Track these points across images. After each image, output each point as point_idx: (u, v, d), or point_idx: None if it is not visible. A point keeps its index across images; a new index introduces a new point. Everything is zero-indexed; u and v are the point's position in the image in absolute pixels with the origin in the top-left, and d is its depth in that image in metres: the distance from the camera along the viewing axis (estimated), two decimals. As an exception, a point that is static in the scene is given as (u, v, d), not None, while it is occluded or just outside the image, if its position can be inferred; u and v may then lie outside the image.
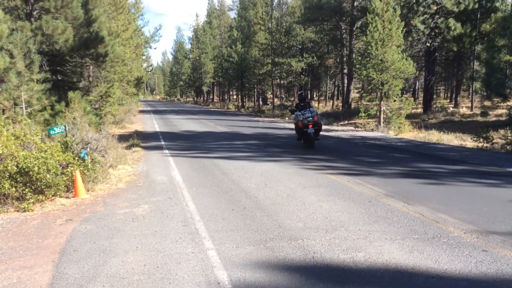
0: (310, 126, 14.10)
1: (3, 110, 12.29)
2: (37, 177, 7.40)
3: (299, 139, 15.12)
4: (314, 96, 58.08)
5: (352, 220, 6.34)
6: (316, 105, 48.19)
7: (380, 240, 5.49)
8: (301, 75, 45.24)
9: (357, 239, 5.53)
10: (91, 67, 19.03)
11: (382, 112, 21.89)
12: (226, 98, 77.41)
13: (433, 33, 26.82)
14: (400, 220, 6.31)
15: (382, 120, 21.87)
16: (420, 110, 31.38)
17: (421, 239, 5.51)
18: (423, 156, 12.85)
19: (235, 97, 77.30)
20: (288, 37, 44.69)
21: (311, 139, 14.34)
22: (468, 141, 16.74)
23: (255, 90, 56.92)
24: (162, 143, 16.93)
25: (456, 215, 6.51)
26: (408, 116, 23.95)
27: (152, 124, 27.86)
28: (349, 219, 6.39)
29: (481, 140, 15.22)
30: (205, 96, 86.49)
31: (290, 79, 46.84)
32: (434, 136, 17.97)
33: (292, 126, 17.60)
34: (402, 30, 21.52)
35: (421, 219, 6.35)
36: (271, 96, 51.44)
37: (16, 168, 7.39)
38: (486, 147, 14.93)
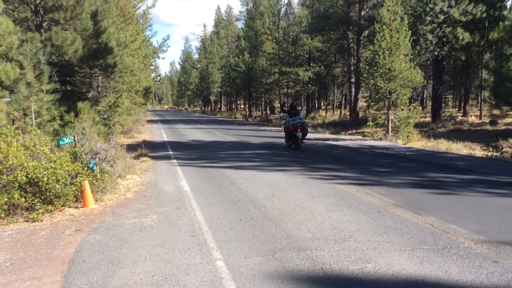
0: (299, 130, 16.45)
1: (13, 121, 12.41)
2: (47, 187, 7.43)
3: (288, 141, 17.46)
4: (322, 105, 58.12)
5: (361, 230, 6.30)
6: (323, 114, 48.21)
7: (390, 251, 5.44)
8: (309, 84, 45.30)
9: (367, 250, 5.49)
10: (100, 77, 19.19)
11: (390, 121, 21.83)
12: (233, 107, 77.67)
13: (441, 42, 26.79)
14: (409, 230, 6.26)
15: (390, 129, 21.79)
16: (428, 119, 31.26)
17: (431, 250, 5.46)
18: (432, 166, 12.78)
19: (242, 106, 77.55)
20: (295, 46, 44.84)
21: (298, 141, 16.65)
22: (477, 150, 16.61)
23: (263, 99, 57.13)
24: (170, 152, 16.98)
25: (466, 225, 6.45)
26: (417, 125, 23.86)
27: (160, 133, 27.97)
28: (358, 229, 6.35)
29: (491, 149, 15.10)
30: (213, 105, 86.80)
31: (298, 88, 46.93)
32: (443, 145, 17.87)
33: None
34: (409, 39, 21.52)
35: (431, 229, 6.30)
36: (279, 105, 51.47)
37: (25, 179, 7.43)
38: (496, 156, 14.81)
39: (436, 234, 6.08)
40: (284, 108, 18.23)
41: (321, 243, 5.76)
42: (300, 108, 21.04)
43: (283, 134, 21.77)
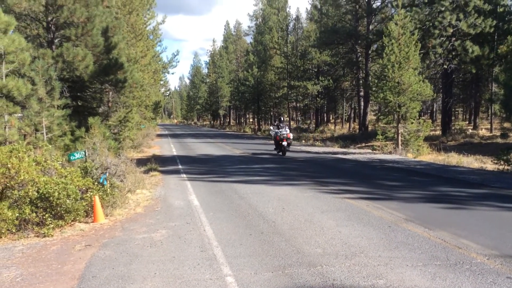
0: (284, 140, 20.00)
1: (25, 136, 12.56)
2: (57, 202, 7.48)
3: (276, 149, 21.06)
4: (331, 118, 58.09)
5: (372, 245, 6.25)
6: (332, 127, 48.20)
7: (401, 266, 5.38)
8: (317, 98, 45.37)
9: (378, 265, 5.43)
10: (110, 92, 19.39)
11: (400, 134, 21.73)
12: (242, 121, 77.89)
13: (450, 55, 26.74)
14: (421, 245, 6.19)
15: (400, 142, 21.68)
16: (438, 132, 31.08)
17: (443, 265, 5.39)
18: (443, 180, 12.67)
19: (251, 120, 77.73)
20: (304, 60, 45.03)
21: (284, 149, 20.23)
22: (489, 164, 16.46)
23: (272, 113, 57.19)
24: (180, 167, 17.02)
25: (479, 240, 6.37)
26: (427, 138, 23.72)
27: (170, 148, 28.09)
28: (369, 244, 6.30)
29: (502, 162, 14.95)
30: (222, 119, 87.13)
31: (306, 102, 47.01)
32: (453, 159, 17.72)
33: (308, 149, 20.99)
34: (419, 53, 21.51)
35: (442, 244, 6.23)
36: (287, 119, 51.57)
37: (36, 194, 7.49)
38: (507, 169, 14.64)
39: (448, 249, 6.01)
40: (275, 123, 21.87)
41: (332, 259, 5.71)
42: (288, 121, 24.72)
43: (291, 148, 22.67)
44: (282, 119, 21.77)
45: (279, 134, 20.19)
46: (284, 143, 19.95)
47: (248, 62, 58.38)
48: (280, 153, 20.44)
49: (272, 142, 22.68)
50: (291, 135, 20.67)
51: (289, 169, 15.77)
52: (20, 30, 15.44)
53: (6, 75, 11.81)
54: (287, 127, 21.17)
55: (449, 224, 7.35)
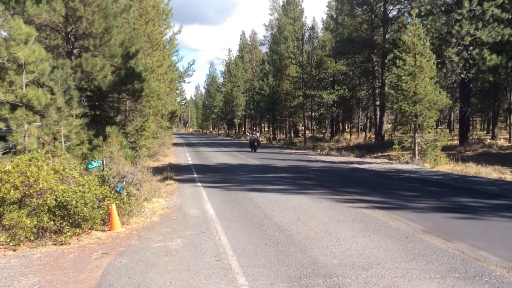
0: (255, 142, 30.55)
1: (43, 144, 12.73)
2: (75, 210, 7.56)
3: (250, 147, 31.35)
4: (346, 128, 57.80)
5: (389, 257, 6.18)
6: (348, 137, 47.99)
7: (419, 278, 5.31)
8: (333, 107, 45.24)
9: (395, 277, 5.37)
10: (127, 102, 19.60)
11: (416, 144, 21.52)
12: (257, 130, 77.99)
13: (467, 64, 26.45)
14: (439, 257, 6.11)
15: (417, 152, 21.46)
16: (456, 142, 30.69)
17: (461, 278, 5.30)
18: (461, 190, 12.49)
19: (266, 129, 77.79)
20: (319, 69, 45.00)
21: (254, 147, 30.68)
22: (508, 174, 16.17)
23: (287, 122, 57.19)
24: (195, 175, 17.09)
25: (498, 252, 6.26)
26: (444, 148, 23.42)
27: (185, 156, 28.23)
28: (386, 256, 6.23)
29: (522, 173, 14.68)
30: (237, 128, 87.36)
31: (322, 111, 46.89)
32: (471, 169, 17.46)
33: (324, 158, 21.60)
34: (434, 62, 21.33)
35: (461, 256, 6.13)
36: (303, 128, 51.45)
37: (55, 202, 7.58)
38: (528, 180, 14.38)
39: (467, 261, 5.91)
40: (250, 131, 34.59)
41: (348, 270, 5.66)
42: (259, 130, 38.47)
43: (307, 157, 23.64)
44: (254, 128, 35.75)
45: (250, 138, 31.60)
46: (254, 143, 30.72)
47: (264, 71, 58.56)
48: (253, 151, 30.63)
49: (287, 151, 24.27)
50: (259, 139, 32.24)
51: (304, 178, 15.72)
52: (40, 41, 15.73)
53: (26, 85, 12.04)
54: (257, 133, 32.70)
55: (468, 235, 7.24)
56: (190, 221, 8.98)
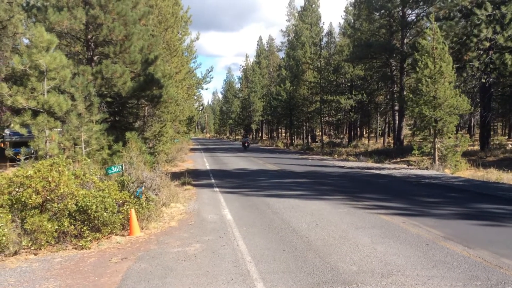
0: (246, 143, 42.83)
1: (64, 150, 12.93)
2: (95, 215, 7.66)
3: (242, 147, 42.81)
4: (364, 133, 57.37)
5: (409, 264, 6.09)
6: (366, 142, 47.64)
7: (440, 286, 5.22)
8: (350, 112, 44.98)
9: (415, 285, 5.29)
10: (146, 107, 19.79)
11: (436, 149, 21.23)
12: (274, 135, 77.96)
13: (488, 69, 26.03)
14: (460, 265, 6.00)
15: (437, 157, 21.17)
16: (476, 147, 30.18)
17: (483, 285, 5.20)
18: (483, 196, 12.27)
19: (283, 134, 77.71)
20: (337, 74, 44.80)
21: (245, 147, 41.99)
22: (531, 180, 15.83)
23: (304, 127, 57.05)
24: (213, 181, 17.15)
25: (523, 260, 6.12)
26: (465, 154, 23.05)
27: (203, 162, 28.36)
28: (406, 263, 6.14)
29: (546, 179, 14.35)
30: (254, 134, 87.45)
31: (339, 117, 46.65)
32: (493, 175, 17.14)
33: (341, 163, 21.63)
34: (453, 67, 21.06)
35: (483, 264, 6.01)
36: (320, 133, 51.24)
37: (75, 207, 7.69)
38: (552, 186, 14.06)
39: (489, 269, 5.80)
40: (243, 136, 47.66)
41: (367, 277, 5.60)
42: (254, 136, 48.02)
43: (325, 162, 23.82)
44: (246, 134, 52.75)
45: (243, 141, 44.82)
46: (245, 144, 42.79)
47: (281, 76, 58.62)
48: (244, 149, 41.59)
49: (305, 157, 24.25)
50: (249, 141, 46.81)
51: (322, 184, 15.64)
52: (61, 48, 16.01)
53: (48, 91, 12.26)
54: (247, 138, 47.28)
55: (490, 242, 7.10)
56: (208, 226, 9.00)
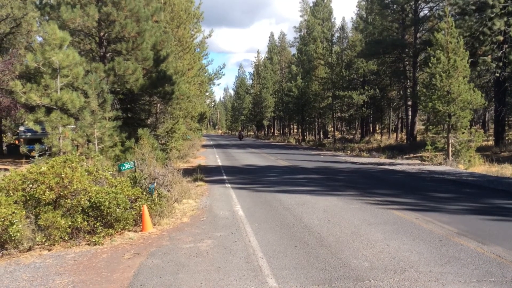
0: (240, 135, 67.03)
1: (77, 146, 13.06)
2: (108, 211, 7.71)
3: (238, 138, 66.20)
4: (377, 128, 57.00)
5: (422, 260, 6.04)
6: (378, 137, 47.34)
7: (454, 282, 5.17)
8: (363, 108, 44.70)
9: (429, 281, 5.24)
10: (158, 104, 19.88)
11: (450, 144, 21.01)
12: (286, 131, 77.85)
13: (502, 63, 25.65)
14: (474, 261, 5.93)
15: (450, 153, 20.95)
16: (491, 143, 29.81)
17: (498, 282, 5.14)
18: (497, 192, 12.12)
19: (295, 130, 77.59)
20: (349, 70, 44.53)
21: (240, 138, 64.53)
22: (547, 176, 15.59)
23: (316, 123, 56.87)
24: (224, 177, 17.18)
25: (538, 257, 6.03)
26: (479, 149, 22.78)
27: (215, 158, 28.42)
28: (419, 259, 6.09)
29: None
30: (266, 130, 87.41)
31: (351, 112, 46.39)
32: (507, 170, 16.92)
33: (353, 159, 21.49)
34: (467, 61, 20.80)
35: (497, 260, 5.94)
36: (332, 129, 51.05)
37: (88, 203, 7.75)
38: None
39: (504, 265, 5.73)
40: (239, 131, 73.42)
41: (380, 273, 5.56)
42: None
43: (337, 158, 23.99)
44: (242, 129, 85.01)
45: (239, 133, 68.37)
46: (240, 137, 63.91)
47: (292, 72, 58.49)
48: (240, 140, 57.63)
49: (316, 152, 24.43)
50: (243, 134, 69.24)
51: (333, 179, 15.58)
52: (74, 45, 16.13)
53: (61, 88, 12.38)
54: (242, 132, 71.05)
55: (504, 238, 7.01)
56: (219, 222, 9.02)
